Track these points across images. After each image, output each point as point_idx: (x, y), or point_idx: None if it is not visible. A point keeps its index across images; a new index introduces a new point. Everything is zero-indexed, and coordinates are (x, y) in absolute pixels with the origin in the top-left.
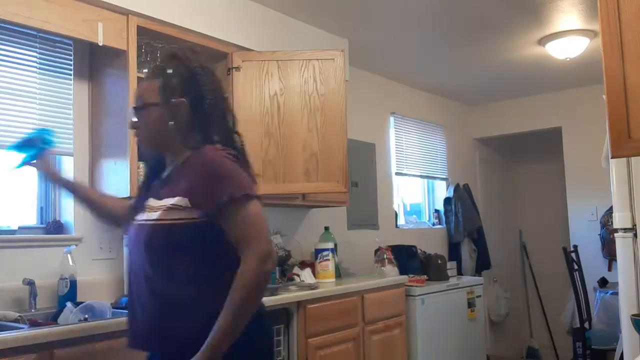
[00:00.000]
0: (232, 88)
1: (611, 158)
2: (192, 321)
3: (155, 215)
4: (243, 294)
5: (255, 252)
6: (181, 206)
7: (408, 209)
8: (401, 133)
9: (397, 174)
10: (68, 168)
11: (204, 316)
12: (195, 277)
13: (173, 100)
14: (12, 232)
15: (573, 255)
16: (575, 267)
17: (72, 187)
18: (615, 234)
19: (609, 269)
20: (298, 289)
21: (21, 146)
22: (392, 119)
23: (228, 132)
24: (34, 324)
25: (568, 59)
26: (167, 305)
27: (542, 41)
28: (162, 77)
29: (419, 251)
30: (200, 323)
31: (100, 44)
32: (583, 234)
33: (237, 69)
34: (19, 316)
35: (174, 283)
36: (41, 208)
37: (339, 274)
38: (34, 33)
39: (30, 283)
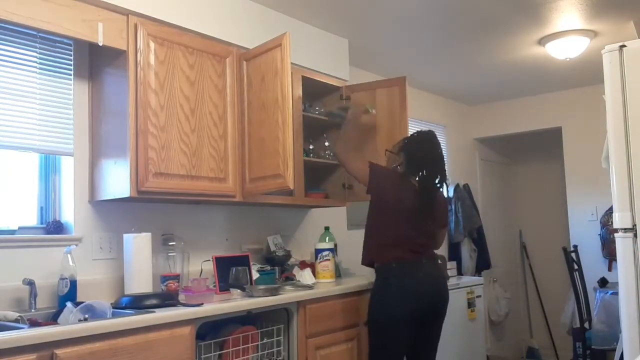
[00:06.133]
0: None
1: None
2: None
3: None
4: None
5: None
6: None
7: None
8: None
9: None
10: (68, 168)
11: None
12: None
13: None
14: (12, 232)
15: (573, 255)
16: (575, 267)
17: None
18: (615, 234)
19: (609, 269)
20: (295, 289)
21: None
22: None
23: None
24: (34, 324)
25: (568, 59)
26: None
27: (542, 41)
28: None
29: None
30: None
31: (100, 44)
32: (583, 234)
33: None
34: (19, 316)
35: None
36: (41, 208)
37: (339, 274)
38: (34, 33)
39: (30, 283)
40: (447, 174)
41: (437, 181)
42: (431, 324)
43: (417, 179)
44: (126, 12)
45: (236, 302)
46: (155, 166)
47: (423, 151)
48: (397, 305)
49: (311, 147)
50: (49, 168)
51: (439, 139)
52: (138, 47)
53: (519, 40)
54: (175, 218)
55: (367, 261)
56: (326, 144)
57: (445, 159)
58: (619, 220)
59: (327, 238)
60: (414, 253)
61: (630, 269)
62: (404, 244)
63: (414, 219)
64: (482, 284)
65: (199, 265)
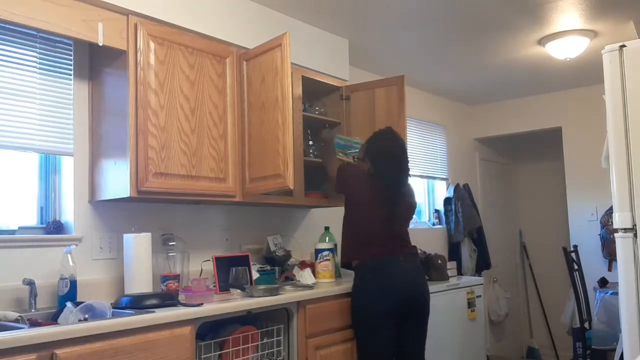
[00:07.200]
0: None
1: None
2: None
3: None
4: None
5: None
6: None
7: None
8: None
9: None
10: (68, 168)
11: None
12: None
13: None
14: (12, 232)
15: (573, 255)
16: (575, 267)
17: None
18: (615, 234)
19: (609, 269)
20: (295, 289)
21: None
22: None
23: None
24: (34, 324)
25: (568, 59)
26: None
27: (542, 41)
28: None
29: (419, 251)
30: None
31: (100, 44)
32: (583, 234)
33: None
34: (19, 316)
35: None
36: (41, 208)
37: (338, 274)
38: (34, 33)
39: (30, 283)
40: (409, 168)
41: (401, 179)
42: (414, 321)
43: (383, 179)
44: (126, 12)
45: (236, 302)
46: (155, 166)
47: (383, 153)
48: (376, 299)
49: (310, 142)
50: (49, 168)
51: (398, 134)
52: (138, 47)
53: (519, 40)
54: (175, 218)
55: (344, 262)
56: (310, 142)
57: (409, 152)
58: (619, 220)
59: (327, 238)
60: (390, 250)
61: (630, 269)
62: (378, 242)
63: (386, 218)
64: (482, 284)
65: (199, 265)
